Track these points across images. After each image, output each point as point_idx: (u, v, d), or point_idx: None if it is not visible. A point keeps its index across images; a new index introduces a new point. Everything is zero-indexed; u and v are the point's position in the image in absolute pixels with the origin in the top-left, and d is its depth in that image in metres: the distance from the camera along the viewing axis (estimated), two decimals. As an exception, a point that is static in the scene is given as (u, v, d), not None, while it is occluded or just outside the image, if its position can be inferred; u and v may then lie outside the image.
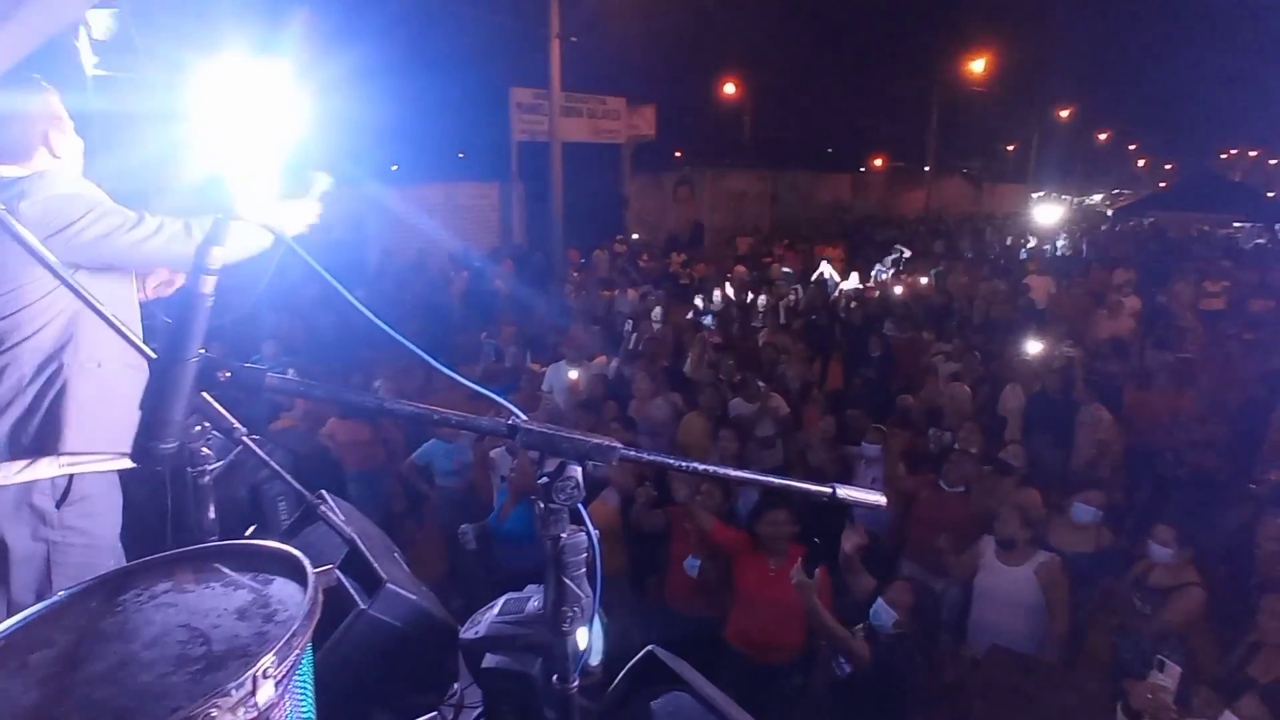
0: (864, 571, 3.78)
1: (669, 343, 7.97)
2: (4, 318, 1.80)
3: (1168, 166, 53.18)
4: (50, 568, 1.90)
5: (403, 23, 17.01)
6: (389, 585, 1.88)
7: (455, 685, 2.01)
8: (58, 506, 1.86)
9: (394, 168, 18.32)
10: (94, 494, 1.95)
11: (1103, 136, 49.72)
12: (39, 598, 1.84)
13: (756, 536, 3.93)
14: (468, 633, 1.62)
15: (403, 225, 14.92)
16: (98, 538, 1.96)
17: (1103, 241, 20.10)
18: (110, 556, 1.99)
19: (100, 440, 1.88)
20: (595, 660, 1.31)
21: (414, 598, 1.92)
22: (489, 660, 1.58)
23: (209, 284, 0.95)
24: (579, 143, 18.27)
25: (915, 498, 4.75)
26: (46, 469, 1.84)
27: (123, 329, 1.27)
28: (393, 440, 5.81)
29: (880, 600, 3.50)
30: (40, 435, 1.83)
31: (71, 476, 1.88)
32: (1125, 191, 42.45)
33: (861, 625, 3.49)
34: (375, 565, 1.96)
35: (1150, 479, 5.75)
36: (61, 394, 1.85)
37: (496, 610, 1.63)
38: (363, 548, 2.04)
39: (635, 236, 19.40)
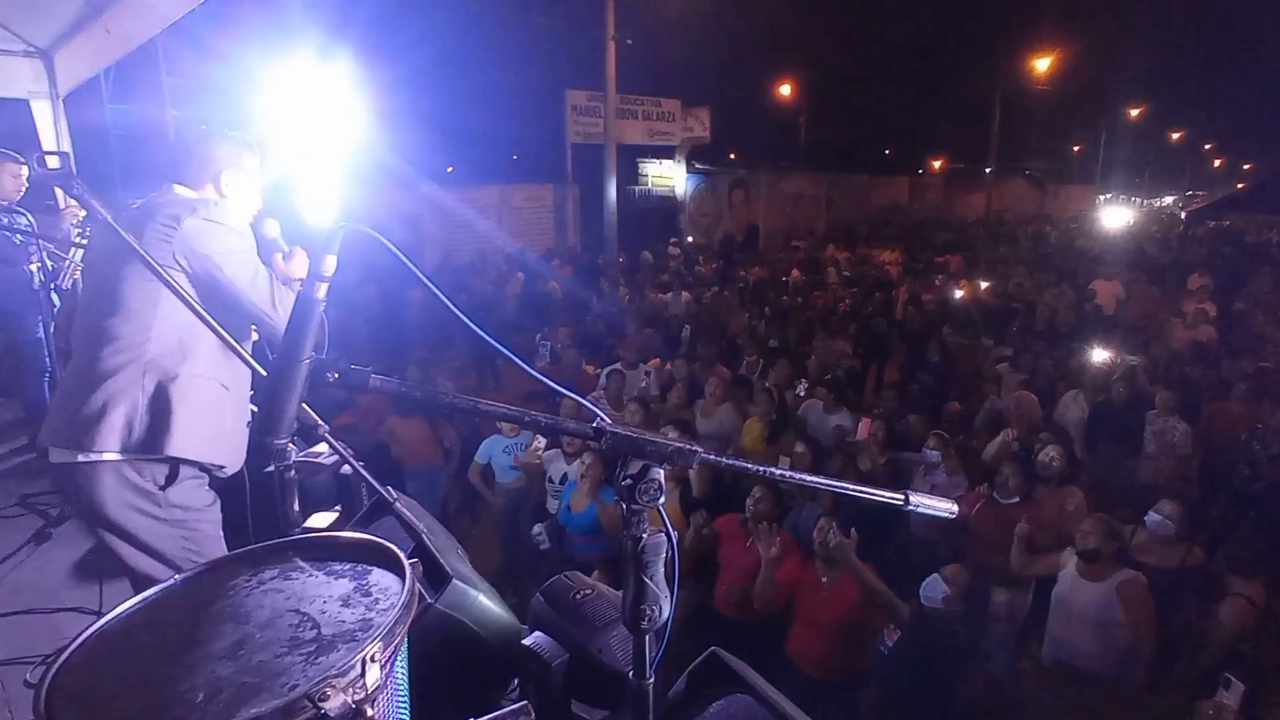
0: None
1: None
2: (139, 313, 1.97)
3: (1246, 167, 50.60)
4: (166, 541, 2.02)
5: (458, 27, 17.35)
6: (455, 580, 1.94)
7: (516, 680, 2.06)
8: (163, 489, 1.99)
9: (450, 169, 18.72)
10: (196, 474, 2.08)
11: (1175, 136, 47.71)
12: (169, 569, 1.98)
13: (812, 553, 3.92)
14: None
15: (459, 226, 15.22)
16: (206, 509, 2.10)
17: (1174, 246, 19.27)
18: (219, 528, 2.12)
19: (200, 451, 2.02)
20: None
21: (478, 593, 1.97)
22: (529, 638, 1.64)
23: (321, 289, 1.01)
24: (634, 145, 18.36)
25: (970, 509, 4.64)
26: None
27: (233, 343, 1.37)
28: (449, 439, 5.94)
29: (934, 575, 3.51)
30: (149, 434, 1.97)
31: (176, 462, 2.01)
32: (1199, 193, 40.65)
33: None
34: (441, 560, 2.02)
35: (1226, 493, 5.52)
36: (175, 400, 2.00)
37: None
38: (428, 543, 2.11)
39: (690, 239, 19.40)
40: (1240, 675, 2.94)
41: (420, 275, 1.00)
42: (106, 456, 1.93)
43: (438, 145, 15.39)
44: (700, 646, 1.64)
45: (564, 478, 4.93)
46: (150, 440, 1.96)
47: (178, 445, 1.97)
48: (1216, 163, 56.00)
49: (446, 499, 6.12)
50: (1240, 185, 37.30)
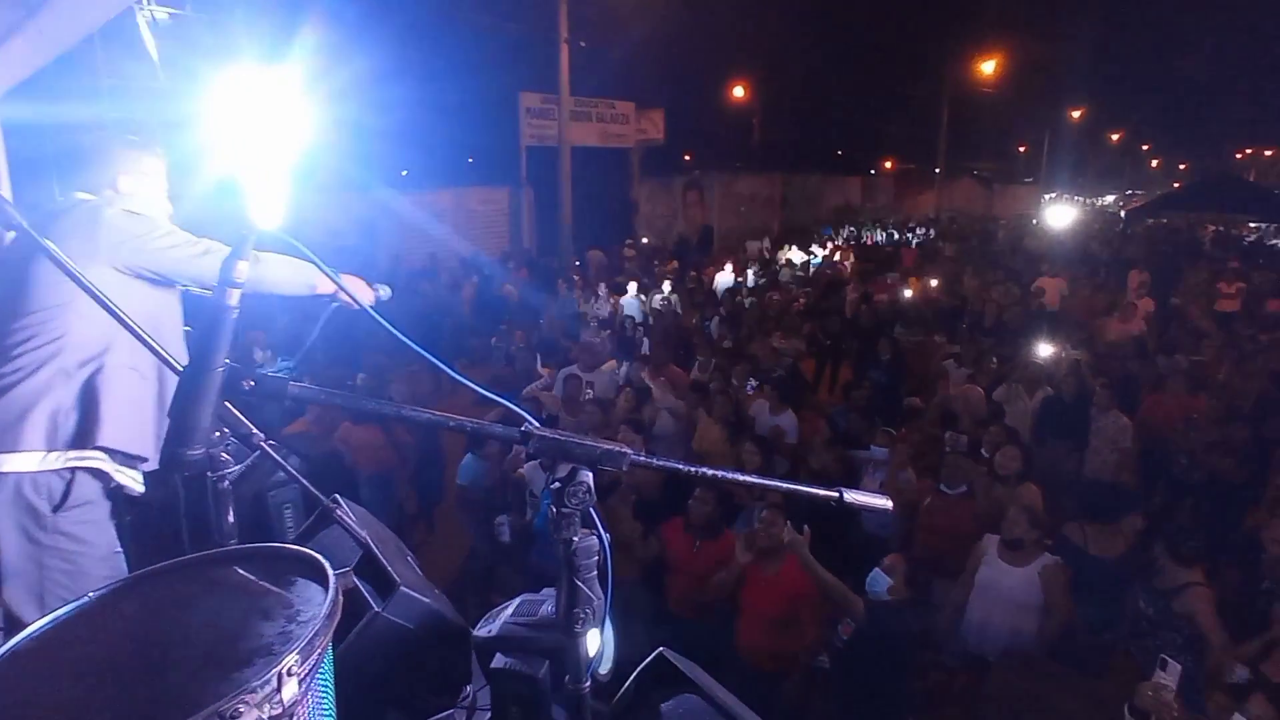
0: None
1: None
2: (53, 311, 1.91)
3: (1181, 167, 52.66)
4: (41, 571, 1.91)
5: (412, 29, 17.12)
6: (402, 588, 1.91)
7: (468, 687, 2.03)
8: (54, 511, 1.90)
9: (404, 173, 18.45)
10: (92, 500, 1.98)
11: (1115, 137, 49.45)
12: (33, 601, 1.89)
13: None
14: (481, 631, 1.65)
15: (413, 230, 15.02)
16: (92, 545, 1.98)
17: (1115, 243, 19.94)
18: (105, 566, 2.00)
19: (129, 441, 1.95)
20: (605, 668, 1.32)
21: (427, 600, 1.94)
22: (498, 661, 1.61)
23: (234, 296, 0.99)
24: (588, 147, 18.34)
25: (918, 503, 4.73)
26: (54, 461, 1.89)
27: (149, 340, 1.33)
28: (404, 445, 5.85)
29: (876, 569, 3.58)
30: (79, 427, 1.91)
31: (71, 481, 1.92)
32: (1138, 192, 42.10)
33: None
34: (389, 568, 1.99)
35: (1165, 483, 5.72)
36: (100, 391, 1.94)
37: (511, 611, 1.65)
38: (376, 551, 2.07)
39: (644, 240, 19.44)
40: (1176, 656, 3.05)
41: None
42: (11, 465, 1.85)
43: (392, 149, 15.17)
44: (652, 648, 1.64)
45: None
46: (80, 433, 1.91)
47: (108, 435, 1.92)
48: (1154, 163, 58.11)
49: (402, 504, 6.03)
50: (1176, 184, 38.72)
